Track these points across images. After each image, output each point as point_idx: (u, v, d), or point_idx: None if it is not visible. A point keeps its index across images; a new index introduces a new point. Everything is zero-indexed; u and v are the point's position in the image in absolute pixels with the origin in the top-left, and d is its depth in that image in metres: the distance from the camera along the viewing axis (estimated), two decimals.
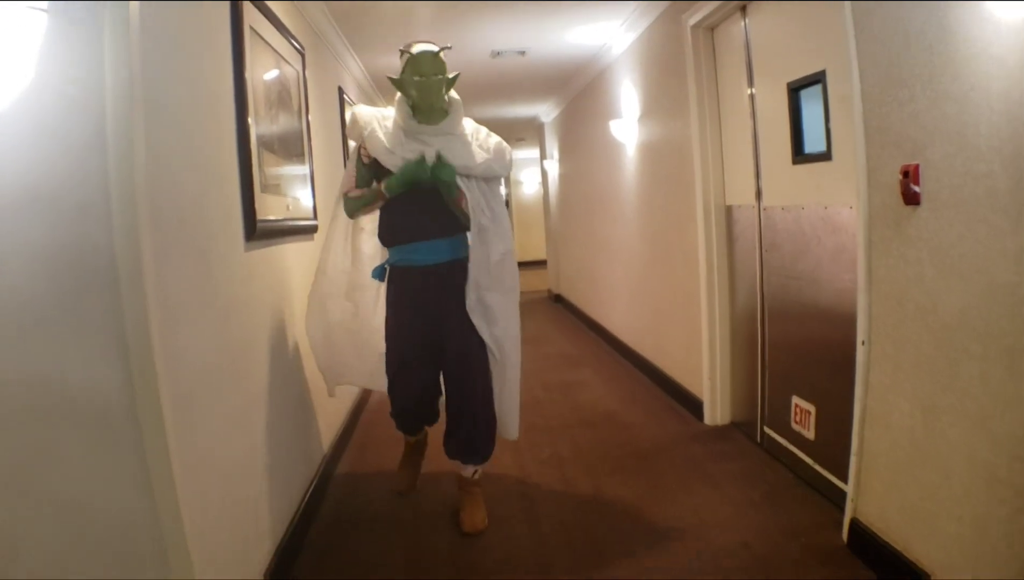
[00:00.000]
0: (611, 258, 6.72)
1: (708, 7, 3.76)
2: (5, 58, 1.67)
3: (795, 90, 3.20)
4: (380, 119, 3.00)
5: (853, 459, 2.62)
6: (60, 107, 1.72)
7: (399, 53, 2.98)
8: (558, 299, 10.47)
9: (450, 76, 2.97)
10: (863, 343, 2.51)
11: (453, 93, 3.04)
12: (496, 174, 3.05)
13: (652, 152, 5.16)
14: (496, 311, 3.03)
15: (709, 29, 4.02)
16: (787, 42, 3.27)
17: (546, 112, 9.96)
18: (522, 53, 5.92)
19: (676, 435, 4.13)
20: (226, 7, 2.58)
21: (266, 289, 2.86)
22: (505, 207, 3.18)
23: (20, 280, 1.69)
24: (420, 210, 2.99)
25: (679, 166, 4.45)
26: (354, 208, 3.08)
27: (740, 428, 4.07)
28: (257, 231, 2.67)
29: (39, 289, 1.70)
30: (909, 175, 2.19)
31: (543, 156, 11.14)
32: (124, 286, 1.74)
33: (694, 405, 4.41)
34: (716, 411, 4.20)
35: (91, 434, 1.75)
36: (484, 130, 3.15)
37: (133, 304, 1.75)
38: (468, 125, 3.10)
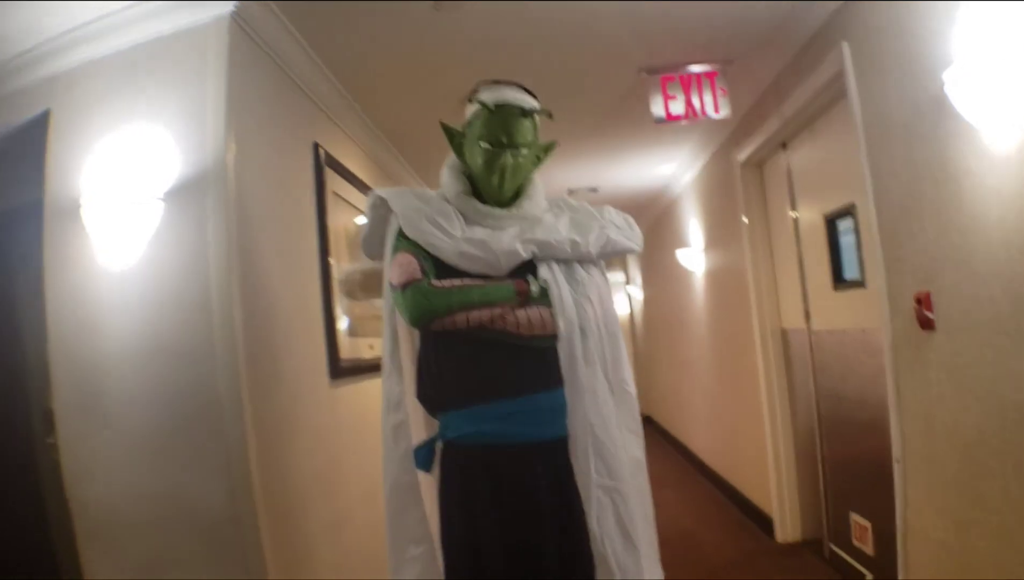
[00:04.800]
0: (691, 380, 6.81)
1: (752, 145, 4.05)
2: (132, 232, 2.21)
3: (831, 220, 3.42)
4: (417, 197, 1.89)
5: (900, 573, 2.69)
6: (174, 272, 2.21)
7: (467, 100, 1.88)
8: (648, 420, 10.43)
9: (543, 145, 1.92)
10: (897, 461, 2.63)
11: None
12: (622, 248, 1.96)
13: (716, 279, 5.39)
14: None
15: (757, 165, 4.30)
16: (823, 176, 3.50)
17: None
18: (594, 190, 6.30)
19: (749, 552, 4.20)
20: (311, 178, 3.01)
21: (351, 418, 3.16)
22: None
23: (148, 413, 2.18)
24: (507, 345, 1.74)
25: (738, 292, 4.66)
26: (458, 301, 1.68)
27: (809, 545, 4.09)
28: (340, 370, 3.01)
29: (163, 420, 2.18)
30: (922, 302, 2.35)
31: (627, 281, 11.39)
32: (227, 417, 2.16)
33: (766, 522, 4.45)
34: (787, 528, 4.23)
35: (204, 540, 2.16)
36: (575, 203, 2.01)
37: (234, 432, 2.16)
38: (554, 203, 2.00)
